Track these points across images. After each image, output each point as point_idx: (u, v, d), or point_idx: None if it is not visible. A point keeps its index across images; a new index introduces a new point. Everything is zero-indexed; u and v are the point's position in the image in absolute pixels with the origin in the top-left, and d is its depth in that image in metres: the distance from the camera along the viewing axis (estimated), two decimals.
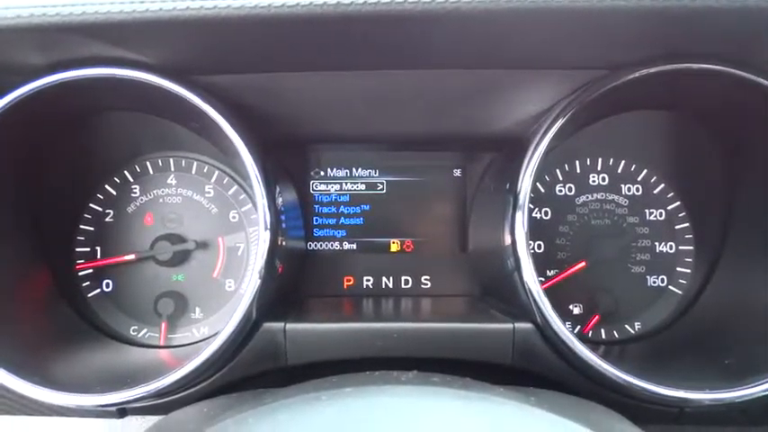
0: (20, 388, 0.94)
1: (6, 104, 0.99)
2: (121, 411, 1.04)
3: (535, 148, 1.05)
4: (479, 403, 0.63)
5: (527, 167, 1.04)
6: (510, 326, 1.03)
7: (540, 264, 1.32)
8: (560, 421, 0.61)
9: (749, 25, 0.89)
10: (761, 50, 0.97)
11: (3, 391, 0.96)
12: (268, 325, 1.04)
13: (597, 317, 1.30)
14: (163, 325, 1.28)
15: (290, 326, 1.03)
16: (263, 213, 1.04)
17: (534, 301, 1.00)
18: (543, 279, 1.31)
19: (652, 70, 0.99)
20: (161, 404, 1.01)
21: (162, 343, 1.29)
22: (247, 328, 1.02)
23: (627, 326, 1.32)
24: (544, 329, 1.01)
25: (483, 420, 0.62)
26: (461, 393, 0.66)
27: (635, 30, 0.92)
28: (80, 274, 1.30)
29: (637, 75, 1.00)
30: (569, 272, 1.30)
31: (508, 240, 1.05)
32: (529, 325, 1.03)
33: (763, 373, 0.96)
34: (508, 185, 1.08)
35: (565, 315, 1.32)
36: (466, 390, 0.68)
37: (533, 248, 1.34)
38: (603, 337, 1.32)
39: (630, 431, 0.72)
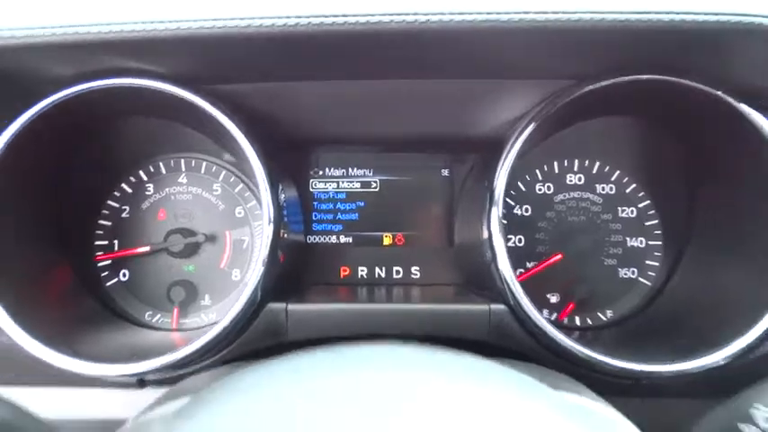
0: (51, 358, 1.02)
1: (38, 111, 1.07)
2: (141, 382, 1.12)
3: (509, 150, 1.13)
4: (440, 355, 0.73)
5: (502, 167, 1.13)
6: (486, 307, 1.11)
7: (521, 256, 1.39)
8: (511, 371, 0.71)
9: (691, 40, 0.98)
10: (712, 61, 1.05)
11: (35, 362, 1.03)
12: (271, 305, 1.11)
13: (572, 305, 1.37)
14: (175, 311, 1.35)
15: (291, 306, 1.10)
16: (266, 209, 1.11)
17: (508, 285, 1.09)
18: (523, 270, 1.39)
19: (610, 81, 1.08)
20: (175, 377, 1.08)
21: (174, 327, 1.35)
22: (252, 309, 1.09)
23: (599, 313, 1.40)
24: (516, 310, 1.09)
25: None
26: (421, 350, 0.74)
27: (598, 44, 1.01)
28: (99, 264, 1.37)
29: (599, 84, 1.09)
30: (547, 263, 1.38)
31: (486, 234, 1.13)
32: (502, 306, 1.11)
33: (717, 347, 1.04)
34: (486, 183, 1.16)
35: (543, 303, 1.39)
36: (428, 348, 0.76)
37: (514, 242, 1.41)
38: (578, 323, 1.40)
39: (572, 388, 0.80)
